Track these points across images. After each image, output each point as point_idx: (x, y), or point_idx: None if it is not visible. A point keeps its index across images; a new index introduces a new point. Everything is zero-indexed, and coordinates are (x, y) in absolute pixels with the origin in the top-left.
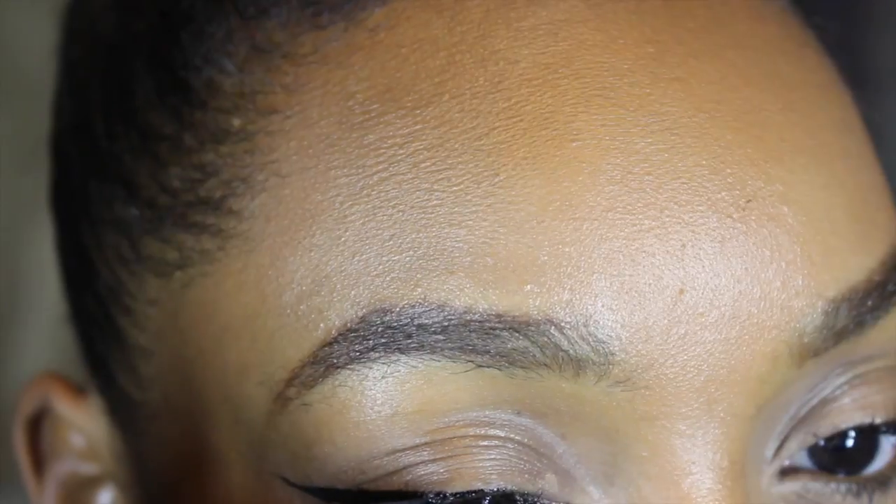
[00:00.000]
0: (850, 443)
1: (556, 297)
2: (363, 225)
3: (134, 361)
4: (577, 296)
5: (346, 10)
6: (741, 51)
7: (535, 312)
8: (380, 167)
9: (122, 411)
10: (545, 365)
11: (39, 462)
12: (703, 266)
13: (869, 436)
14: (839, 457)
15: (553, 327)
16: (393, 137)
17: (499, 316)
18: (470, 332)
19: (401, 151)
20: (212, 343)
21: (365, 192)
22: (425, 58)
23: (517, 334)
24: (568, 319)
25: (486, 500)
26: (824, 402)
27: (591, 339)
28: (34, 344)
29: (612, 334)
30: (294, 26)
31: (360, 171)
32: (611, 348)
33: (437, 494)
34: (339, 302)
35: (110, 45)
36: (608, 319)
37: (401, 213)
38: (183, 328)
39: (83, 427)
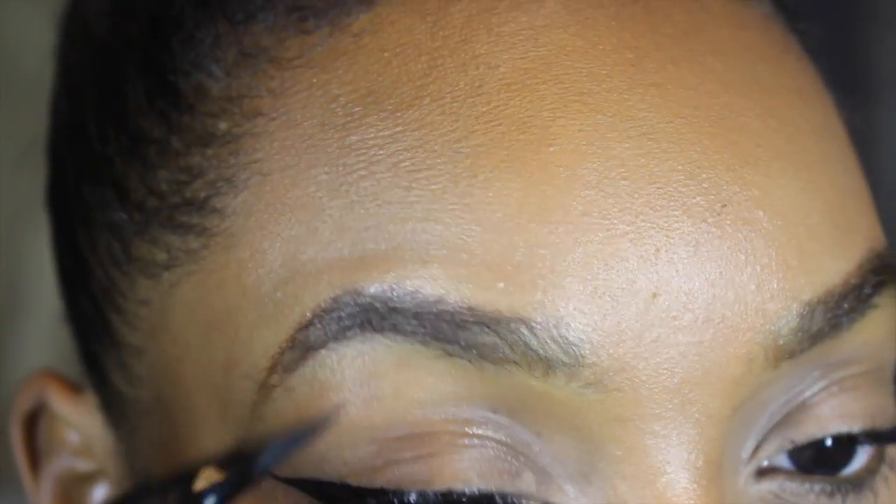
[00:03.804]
0: (828, 443)
1: (528, 298)
2: (341, 217)
3: (126, 360)
4: (550, 297)
5: (332, 16)
6: (720, 57)
7: (506, 310)
8: (360, 166)
9: (115, 409)
10: (515, 362)
11: (36, 459)
12: (677, 270)
13: (847, 441)
14: (817, 458)
15: (523, 326)
16: (374, 139)
17: (470, 309)
18: (441, 321)
19: (381, 152)
20: (198, 340)
21: (344, 188)
22: (407, 62)
23: (487, 329)
24: (539, 320)
25: (464, 499)
26: (802, 407)
27: (561, 341)
28: (33, 342)
29: (584, 337)
30: (280, 31)
31: (340, 168)
32: (581, 351)
33: (419, 494)
34: (314, 285)
35: (104, 50)
36: (579, 322)
37: (378, 207)
38: (171, 327)
39: (78, 424)
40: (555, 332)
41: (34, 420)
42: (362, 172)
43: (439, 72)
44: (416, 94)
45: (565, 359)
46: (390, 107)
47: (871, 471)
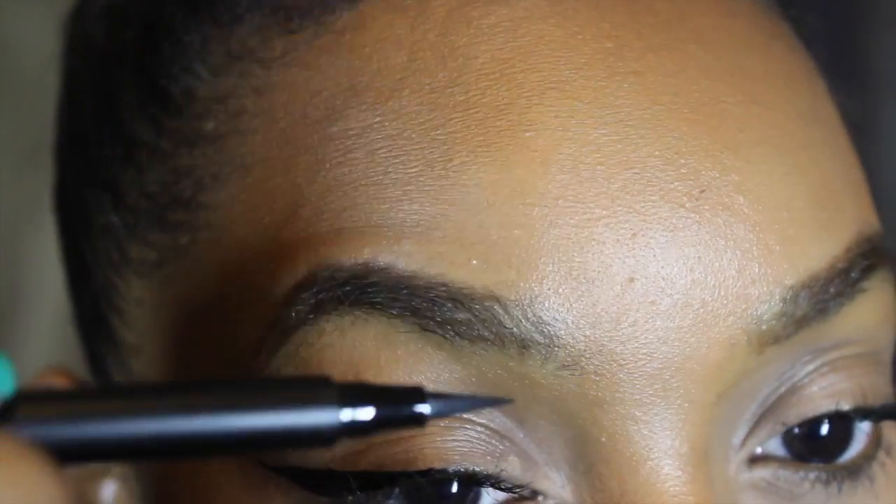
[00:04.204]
0: (824, 431)
1: (502, 276)
2: (318, 201)
3: (126, 359)
4: (523, 276)
5: (316, 15)
6: (703, 45)
7: (480, 287)
8: (337, 154)
9: None
10: (489, 341)
11: None
12: (654, 255)
13: (841, 424)
14: (813, 445)
15: (497, 304)
16: (352, 129)
17: (444, 285)
18: (416, 296)
19: (359, 141)
20: (189, 334)
21: (322, 174)
22: (388, 56)
23: (461, 306)
24: (512, 298)
25: (454, 480)
26: (793, 390)
27: (534, 320)
28: (34, 343)
29: (558, 317)
30: (266, 31)
31: (319, 157)
32: (555, 331)
33: (402, 474)
34: (292, 264)
35: (101, 56)
36: (553, 302)
37: (354, 190)
38: (164, 325)
39: None
40: (528, 310)
41: None
42: (340, 160)
43: (418, 65)
44: (395, 86)
45: (539, 338)
46: (370, 99)
47: (867, 457)
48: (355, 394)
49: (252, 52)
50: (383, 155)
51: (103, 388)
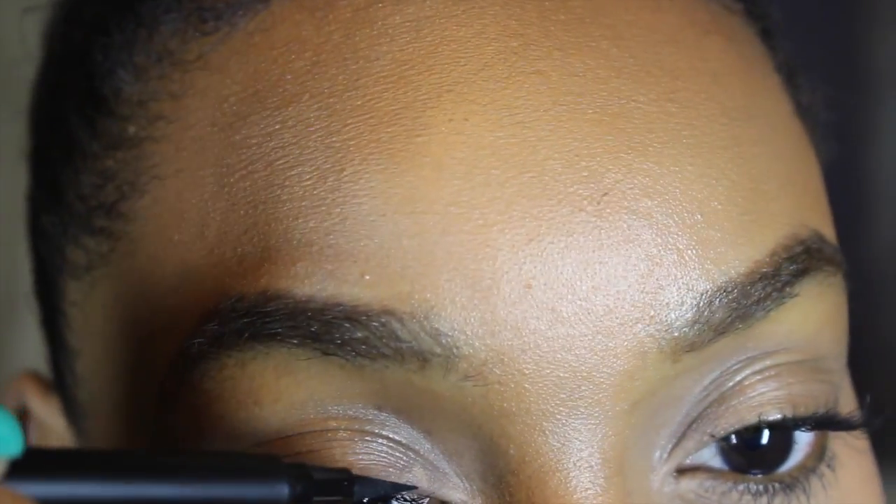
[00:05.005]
0: (761, 441)
1: (395, 289)
2: (222, 220)
3: (72, 362)
4: (418, 288)
5: (229, 16)
6: (618, 41)
7: (375, 303)
8: (240, 166)
9: (69, 410)
10: (389, 357)
11: None
12: (553, 260)
13: (778, 434)
14: (751, 456)
15: (392, 319)
16: (254, 137)
17: (339, 305)
18: (313, 321)
19: (259, 150)
20: (113, 343)
21: (226, 189)
22: (293, 59)
23: (357, 324)
24: (407, 310)
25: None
26: (721, 399)
27: (432, 332)
28: (33, 341)
29: (456, 327)
30: (183, 33)
31: (224, 169)
32: (454, 341)
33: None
34: (198, 294)
35: (57, 58)
36: (450, 312)
37: (254, 209)
38: (94, 328)
39: (52, 426)
40: (425, 323)
41: (25, 420)
42: (242, 173)
43: (320, 67)
44: (296, 90)
45: (438, 350)
46: (272, 104)
47: (806, 469)
48: (299, 473)
49: (171, 55)
50: (281, 167)
51: (101, 453)
